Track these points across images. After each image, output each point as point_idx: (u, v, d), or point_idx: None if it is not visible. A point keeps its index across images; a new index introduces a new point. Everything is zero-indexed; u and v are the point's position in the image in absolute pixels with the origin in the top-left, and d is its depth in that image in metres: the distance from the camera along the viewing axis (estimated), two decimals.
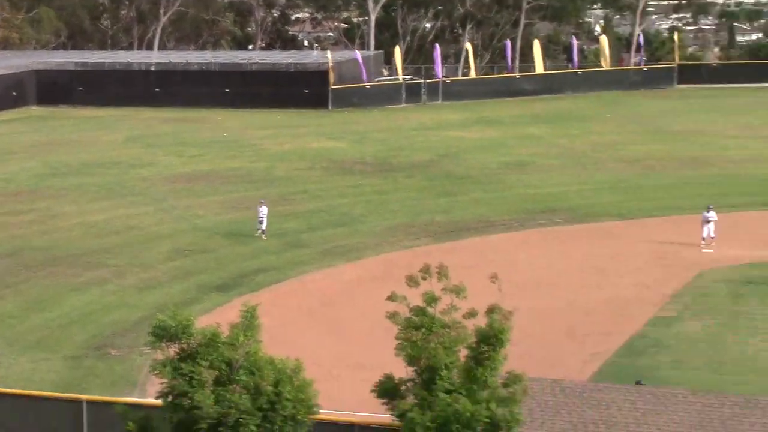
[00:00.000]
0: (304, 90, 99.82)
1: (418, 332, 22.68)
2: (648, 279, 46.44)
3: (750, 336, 38.74)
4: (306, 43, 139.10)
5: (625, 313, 41.98)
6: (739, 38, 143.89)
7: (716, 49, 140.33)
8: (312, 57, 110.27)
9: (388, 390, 23.26)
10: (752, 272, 46.67)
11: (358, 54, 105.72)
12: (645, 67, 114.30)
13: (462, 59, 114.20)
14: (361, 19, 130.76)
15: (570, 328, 40.53)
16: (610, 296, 44.13)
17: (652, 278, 46.51)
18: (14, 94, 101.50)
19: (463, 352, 22.86)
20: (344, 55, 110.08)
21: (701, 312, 41.77)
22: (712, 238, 50.74)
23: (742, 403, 26.86)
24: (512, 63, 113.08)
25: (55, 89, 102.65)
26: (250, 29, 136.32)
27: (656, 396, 27.63)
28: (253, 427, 21.61)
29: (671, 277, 46.50)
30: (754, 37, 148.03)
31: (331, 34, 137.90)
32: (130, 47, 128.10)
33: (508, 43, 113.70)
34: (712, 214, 50.91)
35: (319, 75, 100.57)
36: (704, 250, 50.28)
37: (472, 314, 22.66)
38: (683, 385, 32.74)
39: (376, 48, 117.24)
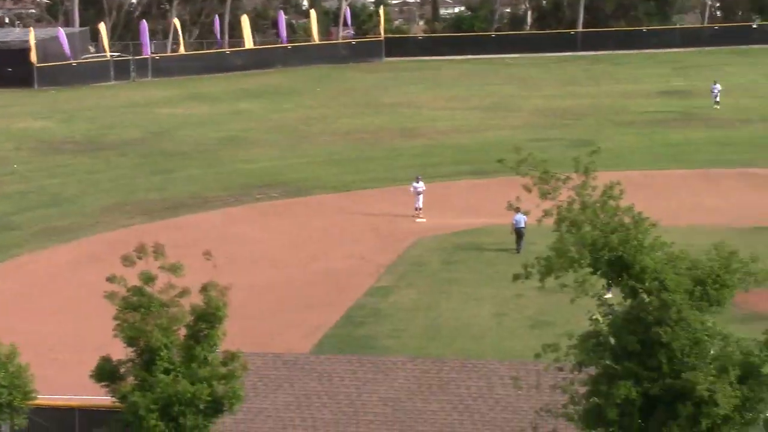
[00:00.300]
0: (7, 69, 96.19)
1: (136, 313, 22.30)
2: (364, 250, 47.15)
3: (463, 302, 39.92)
4: (7, 20, 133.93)
5: (343, 285, 42.51)
6: (442, 11, 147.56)
7: (421, 23, 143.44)
8: (14, 34, 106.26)
9: (106, 373, 22.79)
10: (462, 239, 48.10)
11: (61, 31, 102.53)
12: (353, 41, 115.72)
13: (170, 35, 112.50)
14: None
15: (289, 301, 40.73)
16: (327, 269, 44.57)
17: (368, 250, 47.26)
18: None
19: (183, 331, 22.61)
20: (48, 32, 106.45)
21: (416, 281, 42.73)
22: (420, 208, 51.79)
23: (458, 367, 27.66)
24: (221, 38, 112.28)
25: None
26: None
27: (376, 365, 28.10)
28: None
29: (386, 248, 47.36)
30: (456, 10, 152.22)
31: (33, 10, 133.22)
32: None
33: (217, 18, 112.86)
34: (420, 185, 52.00)
35: (22, 53, 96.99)
36: (417, 220, 51.38)
37: (186, 292, 22.45)
38: (402, 352, 33.48)
39: (82, 25, 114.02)
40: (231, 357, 22.78)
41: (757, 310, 35.91)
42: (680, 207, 51.16)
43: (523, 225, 43.84)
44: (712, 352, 19.66)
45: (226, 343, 22.84)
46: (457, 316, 38.54)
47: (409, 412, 26.01)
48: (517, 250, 44.42)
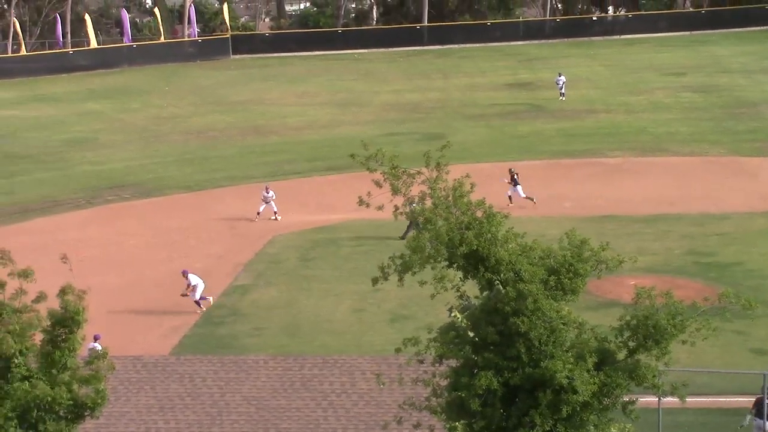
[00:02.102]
0: None
1: None
2: (221, 249, 47.03)
3: (322, 298, 40.09)
4: None
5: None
6: (288, 8, 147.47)
7: (267, 19, 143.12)
8: None
9: None
10: (319, 236, 48.30)
11: None
12: (199, 39, 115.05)
13: (10, 35, 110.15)
14: None
15: (147, 303, 40.43)
16: (184, 267, 44.21)
17: (225, 248, 47.15)
18: None
19: (39, 336, 22.33)
20: None
21: (275, 278, 42.76)
22: (275, 211, 51.33)
23: (320, 364, 27.87)
24: (63, 38, 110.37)
25: None
26: None
27: (238, 364, 28.14)
28: None
29: (243, 246, 47.32)
30: (302, 6, 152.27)
31: None
32: None
33: (58, 17, 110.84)
34: (271, 194, 51.63)
35: None
36: (273, 218, 51.35)
37: (42, 298, 22.19)
38: (264, 351, 33.56)
39: None
40: (97, 356, 22.60)
41: (610, 297, 36.95)
42: (530, 196, 52.21)
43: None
44: (568, 341, 20.20)
45: (84, 346, 22.66)
46: (317, 312, 38.73)
47: (273, 410, 26.13)
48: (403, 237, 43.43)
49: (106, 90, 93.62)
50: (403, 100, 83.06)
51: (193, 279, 39.70)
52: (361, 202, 22.33)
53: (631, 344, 20.11)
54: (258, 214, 51.56)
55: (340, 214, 50.42)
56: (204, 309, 39.37)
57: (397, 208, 21.51)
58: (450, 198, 21.47)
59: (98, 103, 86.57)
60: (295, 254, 45.86)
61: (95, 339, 32.10)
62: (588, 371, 19.64)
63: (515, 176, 51.40)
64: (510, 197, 50.65)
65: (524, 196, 51.16)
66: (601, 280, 22.30)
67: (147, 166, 63.94)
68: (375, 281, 21.30)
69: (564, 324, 20.13)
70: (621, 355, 20.27)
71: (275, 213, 51.54)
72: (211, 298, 40.19)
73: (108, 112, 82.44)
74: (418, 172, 21.62)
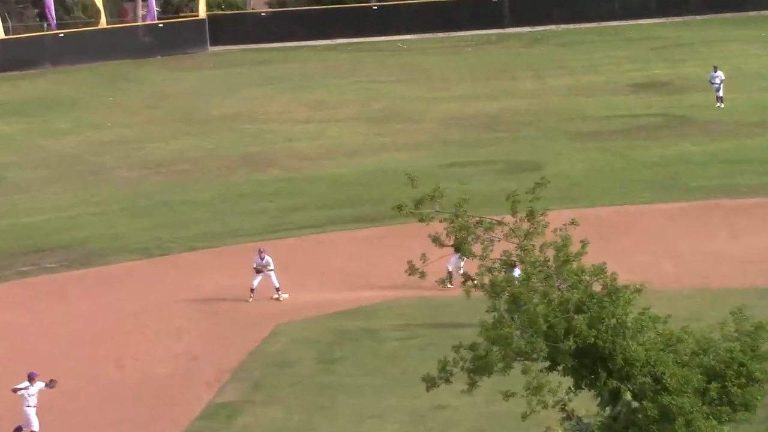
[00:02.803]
0: None
1: None
2: (196, 346, 46.98)
3: (353, 422, 39.85)
4: None
5: (166, 401, 42.23)
6: None
7: None
8: None
9: None
10: (346, 324, 48.11)
11: None
12: (160, 23, 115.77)
13: None
14: None
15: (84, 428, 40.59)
16: (140, 376, 44.26)
17: (202, 345, 47.09)
18: None
19: None
20: None
21: (280, 392, 42.57)
22: (277, 288, 51.50)
23: None
24: None
25: None
26: None
27: None
28: None
29: (230, 341, 47.22)
30: None
31: None
32: None
33: None
34: (267, 261, 51.42)
35: None
36: (275, 297, 51.34)
37: None
38: None
39: None
40: None
41: None
42: (672, 257, 51.97)
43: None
44: None
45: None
46: None
47: None
48: None
49: (19, 102, 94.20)
50: (472, 111, 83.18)
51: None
52: (412, 270, 22.31)
53: None
54: (252, 291, 51.43)
55: (379, 290, 50.39)
56: None
57: (469, 278, 21.50)
58: (551, 263, 21.48)
59: (6, 124, 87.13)
60: (311, 353, 45.75)
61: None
62: None
63: None
64: None
65: None
66: None
67: (82, 218, 64.19)
68: (431, 384, 21.30)
69: None
70: None
71: (277, 290, 51.49)
72: None
73: (21, 137, 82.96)
74: (500, 223, 21.66)
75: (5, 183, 71.81)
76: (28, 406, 39.55)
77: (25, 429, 40.18)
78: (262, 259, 51.69)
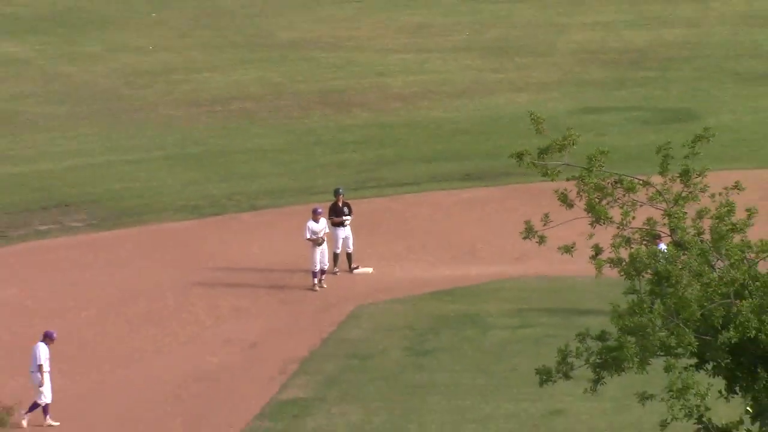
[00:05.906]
0: None
1: None
2: (255, 330, 47.40)
3: (453, 426, 40.13)
4: None
5: (220, 396, 42.74)
6: None
7: None
8: None
9: None
10: (443, 307, 48.33)
11: None
12: None
13: None
14: None
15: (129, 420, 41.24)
16: (189, 368, 44.59)
17: (264, 328, 47.50)
18: None
19: None
20: None
21: (359, 387, 42.96)
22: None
23: None
24: None
25: None
26: None
27: None
28: None
29: (299, 324, 47.71)
30: None
31: None
32: None
33: None
34: (322, 227, 50.29)
35: None
36: (357, 271, 51.41)
37: None
38: None
39: None
40: None
41: None
42: None
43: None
44: None
45: None
46: None
47: None
48: None
49: (35, 18, 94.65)
50: (614, 42, 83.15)
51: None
52: (529, 231, 22.51)
53: None
54: (315, 276, 50.59)
55: (486, 266, 50.75)
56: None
57: (601, 250, 21.70)
58: (708, 237, 21.60)
59: (20, 44, 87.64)
60: (398, 342, 46.12)
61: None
62: None
63: None
64: None
65: None
66: None
67: (114, 167, 64.63)
68: (546, 377, 21.56)
69: None
70: None
71: (351, 264, 51.20)
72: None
73: (40, 62, 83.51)
74: (646, 183, 21.82)
75: (19, 120, 72.27)
76: (47, 372, 40.89)
77: (40, 402, 40.84)
78: (317, 220, 51.03)
